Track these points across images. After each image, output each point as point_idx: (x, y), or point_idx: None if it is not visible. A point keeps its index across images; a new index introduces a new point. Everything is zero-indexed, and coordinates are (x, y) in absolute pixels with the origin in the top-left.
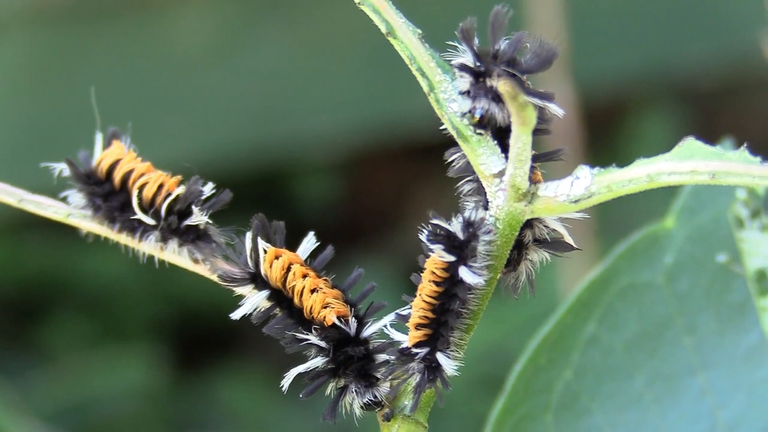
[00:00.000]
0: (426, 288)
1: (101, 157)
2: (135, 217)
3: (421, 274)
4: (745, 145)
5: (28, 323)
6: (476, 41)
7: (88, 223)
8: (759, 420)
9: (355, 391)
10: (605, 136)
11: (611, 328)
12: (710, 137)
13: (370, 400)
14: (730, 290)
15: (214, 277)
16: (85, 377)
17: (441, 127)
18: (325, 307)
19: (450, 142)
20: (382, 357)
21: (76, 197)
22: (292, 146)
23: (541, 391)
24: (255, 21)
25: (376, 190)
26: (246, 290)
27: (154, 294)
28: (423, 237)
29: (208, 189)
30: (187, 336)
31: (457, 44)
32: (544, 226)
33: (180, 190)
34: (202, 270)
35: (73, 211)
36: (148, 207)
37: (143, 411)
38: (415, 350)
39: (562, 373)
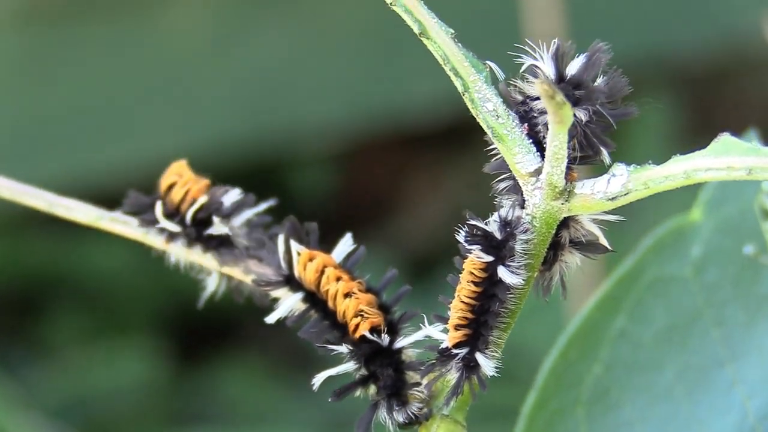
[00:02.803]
0: (464, 289)
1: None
2: (160, 225)
3: (459, 275)
4: None
5: (29, 318)
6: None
7: (119, 227)
8: None
9: (388, 408)
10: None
11: (640, 321)
12: (705, 121)
13: (406, 420)
14: (758, 281)
15: (248, 279)
16: (86, 371)
17: (436, 117)
18: (357, 315)
19: (445, 132)
20: (414, 375)
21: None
22: (288, 137)
23: (572, 385)
24: (249, 13)
25: (372, 179)
26: (281, 293)
27: (154, 287)
28: (460, 238)
29: (233, 195)
30: (187, 328)
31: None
32: (580, 227)
33: (203, 199)
34: (236, 272)
35: (103, 214)
36: (175, 214)
37: (144, 403)
38: (454, 350)
39: (592, 367)
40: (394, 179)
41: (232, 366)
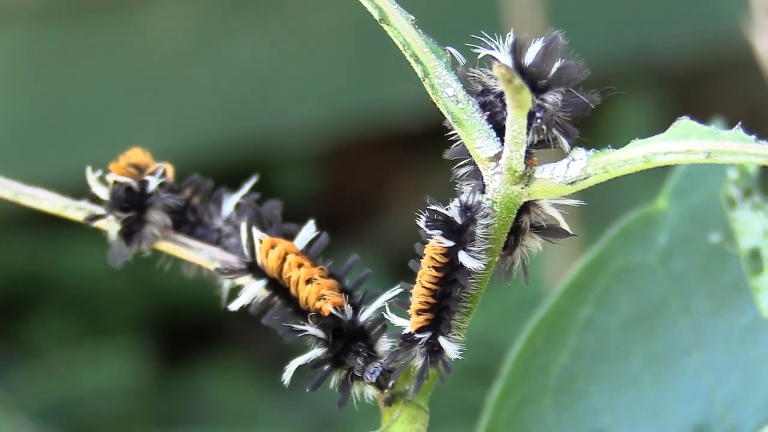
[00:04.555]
0: (426, 274)
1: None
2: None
3: (420, 261)
4: (739, 123)
5: (12, 320)
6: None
7: (84, 215)
8: (755, 398)
9: (360, 369)
10: (583, 120)
11: (607, 310)
12: None
13: (377, 369)
14: (724, 270)
15: (212, 266)
16: (71, 373)
17: (419, 118)
18: (320, 299)
19: (429, 133)
20: (378, 332)
21: None
22: (272, 138)
23: (539, 374)
24: (232, 14)
25: (357, 181)
26: (244, 280)
27: (138, 289)
28: (421, 223)
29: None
30: (171, 330)
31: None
32: (541, 211)
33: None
34: (200, 259)
35: (69, 203)
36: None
37: (129, 406)
38: (417, 335)
39: (558, 355)
40: (379, 180)
41: (217, 368)
